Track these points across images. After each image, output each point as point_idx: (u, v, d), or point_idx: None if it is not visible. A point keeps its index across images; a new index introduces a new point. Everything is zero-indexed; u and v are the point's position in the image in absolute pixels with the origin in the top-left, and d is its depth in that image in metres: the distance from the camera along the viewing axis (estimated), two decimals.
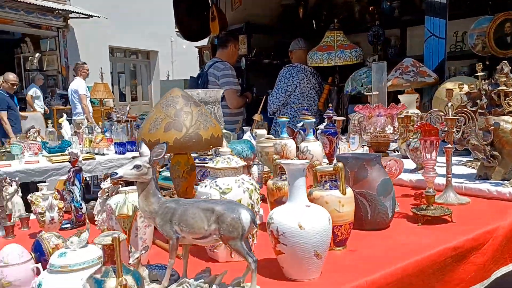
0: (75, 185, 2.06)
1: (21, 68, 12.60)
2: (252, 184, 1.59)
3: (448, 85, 3.23)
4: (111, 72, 14.20)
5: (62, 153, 4.69)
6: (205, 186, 1.57)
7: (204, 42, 6.61)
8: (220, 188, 1.53)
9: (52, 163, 4.32)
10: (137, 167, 1.27)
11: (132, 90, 15.90)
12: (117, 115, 5.42)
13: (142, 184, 1.29)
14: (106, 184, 1.78)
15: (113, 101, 11.21)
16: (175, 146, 1.65)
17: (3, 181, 1.98)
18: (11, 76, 6.64)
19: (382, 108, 2.11)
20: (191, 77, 4.94)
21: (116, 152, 4.77)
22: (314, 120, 2.52)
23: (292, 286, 1.33)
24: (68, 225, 2.02)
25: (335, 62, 4.05)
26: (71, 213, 2.04)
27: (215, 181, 1.55)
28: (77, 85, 8.15)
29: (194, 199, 1.43)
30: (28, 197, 1.87)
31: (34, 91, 9.87)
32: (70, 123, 5.55)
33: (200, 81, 4.71)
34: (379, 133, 2.11)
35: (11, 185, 2.01)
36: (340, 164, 1.58)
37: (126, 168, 1.26)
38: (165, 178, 2.88)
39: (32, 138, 4.91)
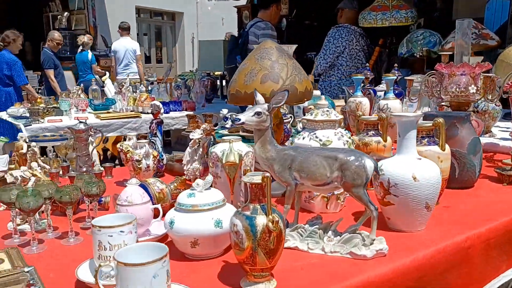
0: (157, 136, 2.09)
1: (49, 27, 12.58)
2: (349, 137, 1.59)
3: None
4: (137, 34, 14.11)
5: (108, 111, 4.76)
6: (303, 138, 1.58)
7: (243, 1, 6.50)
8: (320, 140, 1.54)
9: (101, 120, 4.38)
10: (258, 114, 1.27)
11: (157, 52, 15.83)
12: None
13: (259, 131, 1.30)
14: (196, 135, 1.81)
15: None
16: (269, 97, 1.63)
17: (89, 130, 2.02)
18: (56, 35, 6.66)
19: (467, 67, 2.06)
20: (231, 36, 4.89)
21: None
22: (362, 77, 2.50)
23: (401, 237, 1.35)
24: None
25: (390, 23, 3.95)
26: None
27: (314, 133, 1.56)
28: (135, 45, 7.93)
29: (312, 147, 1.43)
30: (118, 145, 1.91)
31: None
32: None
33: (240, 41, 4.66)
34: (462, 93, 2.07)
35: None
36: (441, 120, 1.56)
37: (247, 114, 1.27)
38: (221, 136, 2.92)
39: (76, 95, 4.97)
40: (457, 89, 2.09)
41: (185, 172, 1.82)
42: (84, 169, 2.00)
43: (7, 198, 1.33)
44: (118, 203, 1.33)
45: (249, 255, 1.00)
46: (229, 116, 3.45)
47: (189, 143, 1.80)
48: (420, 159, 1.38)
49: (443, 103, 2.51)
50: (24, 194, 1.26)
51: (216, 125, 3.39)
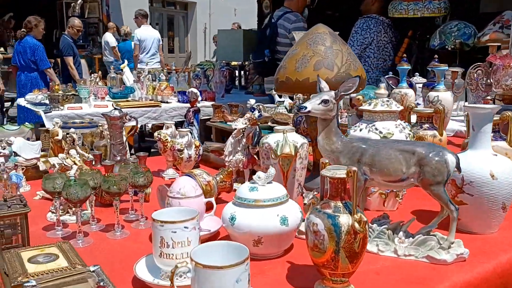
0: (194, 125, 1.99)
1: (62, 13, 12.50)
2: (410, 130, 1.48)
3: None
4: (150, 24, 14.00)
5: (127, 99, 4.67)
6: (360, 130, 1.47)
7: None
8: (380, 133, 1.43)
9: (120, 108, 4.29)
10: (325, 102, 1.17)
11: (169, 42, 15.72)
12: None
13: (325, 121, 1.19)
14: (240, 125, 1.70)
15: None
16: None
17: (124, 117, 1.92)
18: (77, 22, 6.56)
19: None
20: (260, 28, 4.77)
21: (179, 101, 4.71)
22: (408, 67, 2.39)
23: (475, 240, 1.24)
24: None
25: (422, 13, 3.81)
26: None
27: (373, 125, 1.45)
28: (158, 34, 7.85)
29: (382, 139, 1.33)
30: (156, 134, 1.81)
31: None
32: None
33: (268, 33, 4.53)
34: None
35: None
36: (510, 113, 1.45)
37: (314, 102, 1.17)
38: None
39: (94, 83, 4.89)
40: None
41: (226, 164, 1.72)
42: (118, 158, 1.91)
43: (51, 187, 1.24)
44: (169, 195, 1.24)
45: (330, 258, 0.89)
46: (256, 107, 3.34)
47: (233, 133, 1.70)
48: (496, 155, 1.27)
49: (488, 97, 2.38)
50: (71, 183, 1.17)
51: (242, 115, 3.30)
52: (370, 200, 1.49)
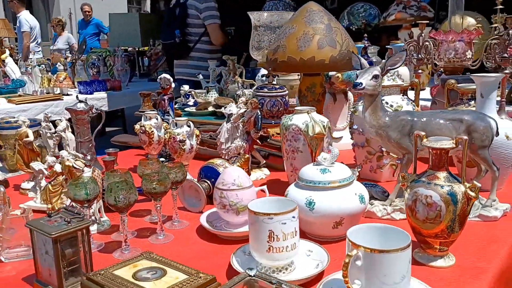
0: (170, 114, 1.83)
1: None
2: (413, 103, 1.57)
3: (456, 18, 3.42)
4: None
5: (19, 94, 4.12)
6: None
7: None
8: (391, 106, 1.49)
9: (16, 104, 3.77)
10: (376, 77, 1.17)
11: None
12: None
13: (371, 97, 1.20)
14: (234, 109, 1.62)
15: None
16: (330, 64, 1.54)
17: (91, 111, 1.69)
18: None
19: (465, 33, 2.17)
20: (168, 7, 4.52)
21: (81, 92, 4.30)
22: (362, 45, 2.52)
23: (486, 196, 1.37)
24: (162, 159, 1.81)
25: None
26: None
27: (383, 99, 1.50)
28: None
29: (425, 111, 1.36)
30: (137, 126, 1.64)
31: None
32: None
33: (178, 13, 4.33)
34: (460, 58, 2.18)
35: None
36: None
37: (366, 78, 1.16)
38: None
39: None
40: (456, 55, 2.19)
41: (223, 152, 1.63)
42: (89, 157, 1.68)
43: (83, 195, 1.04)
44: (222, 188, 1.13)
45: (445, 228, 0.92)
46: (192, 93, 3.21)
47: (231, 119, 1.60)
48: (502, 118, 1.41)
49: (419, 71, 2.63)
50: (119, 186, 1.00)
51: (176, 103, 3.14)
52: (381, 172, 1.55)
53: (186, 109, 2.97)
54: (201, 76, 3.48)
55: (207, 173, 1.38)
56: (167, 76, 1.85)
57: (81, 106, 1.66)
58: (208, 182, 1.35)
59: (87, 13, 7.51)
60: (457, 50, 2.19)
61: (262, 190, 1.20)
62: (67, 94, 4.18)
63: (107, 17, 5.80)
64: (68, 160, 1.29)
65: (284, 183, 1.44)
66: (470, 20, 3.38)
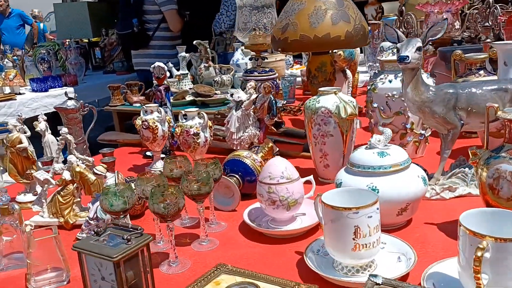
0: (167, 106, 1.68)
1: None
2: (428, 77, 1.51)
3: None
4: None
5: None
6: (390, 81, 1.44)
7: None
8: None
9: None
10: (419, 49, 1.10)
11: None
12: None
13: (412, 71, 1.12)
14: (243, 96, 1.49)
15: None
16: (346, 40, 1.45)
17: (82, 108, 1.51)
18: None
19: (452, 4, 2.15)
20: None
21: (35, 90, 3.98)
22: (394, 17, 2.45)
23: None
24: (163, 155, 1.66)
25: None
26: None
27: (396, 75, 1.44)
28: None
29: (468, 82, 1.29)
30: (138, 121, 1.48)
31: None
32: None
33: (132, 1, 4.07)
34: (449, 30, 2.17)
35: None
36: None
37: (410, 51, 1.08)
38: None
39: None
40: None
41: (234, 142, 1.50)
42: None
43: (122, 204, 0.90)
44: (270, 182, 1.02)
45: None
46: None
47: (242, 107, 1.48)
48: None
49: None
50: (165, 192, 0.86)
51: (147, 94, 2.97)
52: (405, 150, 1.49)
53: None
54: (170, 64, 3.29)
55: (233, 166, 1.25)
56: (161, 64, 1.69)
57: (71, 103, 1.48)
58: (237, 176, 1.23)
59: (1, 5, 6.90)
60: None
61: (309, 181, 1.10)
62: (20, 93, 3.85)
63: (47, 6, 5.38)
64: (78, 165, 1.13)
65: (307, 170, 1.35)
66: None
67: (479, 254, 0.64)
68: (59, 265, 0.91)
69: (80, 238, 1.05)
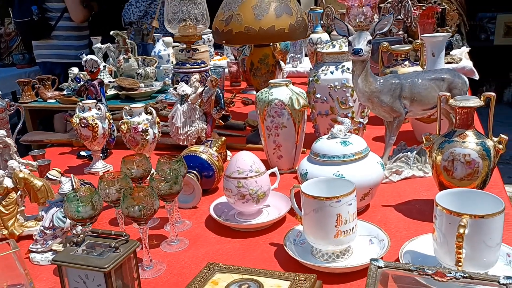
0: (103, 102, 1.58)
1: None
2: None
3: None
4: None
5: None
6: (331, 72, 1.50)
7: None
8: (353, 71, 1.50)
9: None
10: (370, 42, 1.16)
11: None
12: None
13: (363, 63, 1.18)
14: (188, 90, 1.46)
15: None
16: (289, 33, 1.48)
17: (8, 107, 1.37)
18: None
19: None
20: None
21: None
22: (321, 10, 2.48)
23: None
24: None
25: None
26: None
27: (343, 65, 1.50)
28: None
29: (409, 73, 1.35)
30: (74, 119, 1.37)
31: None
32: None
33: None
34: (369, 22, 2.30)
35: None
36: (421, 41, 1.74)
37: (362, 44, 1.14)
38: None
39: None
40: (365, 19, 2.30)
41: (180, 138, 1.47)
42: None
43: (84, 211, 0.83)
44: (239, 177, 1.01)
45: (481, 182, 0.96)
46: (81, 76, 2.85)
47: (188, 101, 1.44)
48: None
49: None
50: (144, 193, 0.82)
51: (61, 89, 2.81)
52: None
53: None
54: (85, 56, 3.09)
55: (189, 162, 1.22)
56: (94, 57, 1.59)
57: None
58: (195, 172, 1.21)
59: None
60: (366, 15, 2.30)
61: (273, 173, 1.11)
62: None
63: None
64: (21, 171, 1.03)
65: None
66: None
67: (461, 231, 0.70)
68: (20, 281, 0.82)
69: (33, 250, 0.96)
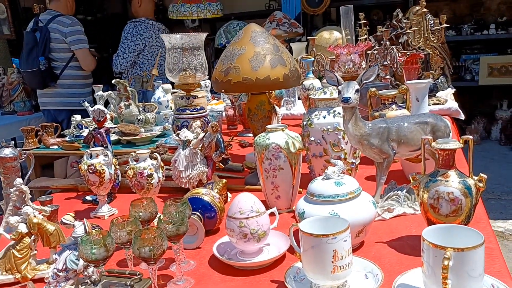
0: (109, 149, 1.66)
1: None
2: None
3: (325, 33, 3.79)
4: None
5: None
6: (324, 117, 1.60)
7: None
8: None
9: None
10: (357, 91, 1.26)
11: None
12: None
13: (352, 109, 1.28)
14: (189, 135, 1.54)
15: None
16: (284, 82, 1.59)
17: (20, 156, 1.44)
18: None
19: (359, 46, 2.43)
20: (25, 32, 4.01)
21: None
22: (312, 58, 2.62)
23: None
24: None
25: (205, 15, 4.04)
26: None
27: (334, 110, 1.60)
28: None
29: (396, 117, 1.45)
30: (82, 165, 1.44)
31: None
32: None
33: (39, 38, 3.90)
34: (357, 68, 2.44)
35: None
36: (406, 86, 1.86)
37: (351, 92, 1.24)
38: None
39: None
40: (354, 66, 2.44)
41: (182, 181, 1.54)
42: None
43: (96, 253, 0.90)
44: (241, 217, 1.08)
45: (465, 218, 1.04)
46: (83, 123, 2.94)
47: (190, 146, 1.53)
48: None
49: None
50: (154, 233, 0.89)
51: (63, 136, 2.90)
52: None
53: (82, 141, 2.70)
54: (86, 104, 3.20)
55: (193, 204, 1.29)
56: (101, 107, 1.69)
57: (9, 151, 1.42)
58: (198, 213, 1.27)
59: None
60: (354, 61, 2.44)
61: (272, 213, 1.18)
62: None
63: None
64: (35, 216, 1.10)
65: None
66: (336, 34, 3.78)
67: (445, 263, 0.77)
68: None
69: None
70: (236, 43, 1.64)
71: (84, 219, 1.04)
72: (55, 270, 1.02)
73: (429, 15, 3.04)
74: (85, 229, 1.02)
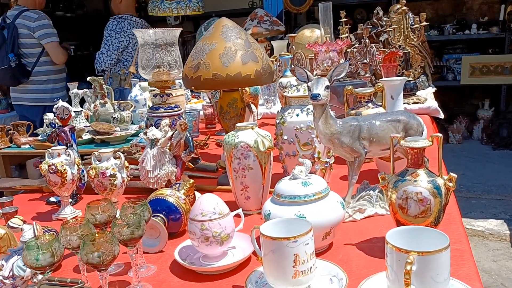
0: (74, 148, 1.60)
1: None
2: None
3: (306, 31, 3.75)
4: None
5: None
6: (297, 115, 1.56)
7: None
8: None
9: None
10: (327, 87, 1.22)
11: None
12: None
13: (322, 106, 1.24)
14: (158, 134, 1.49)
15: None
16: (255, 78, 1.54)
17: None
18: None
19: (337, 44, 2.40)
20: None
21: None
22: (290, 56, 2.57)
23: None
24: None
25: (185, 12, 3.98)
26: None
27: (308, 108, 1.56)
28: None
29: (368, 115, 1.41)
30: (43, 165, 1.38)
31: None
32: None
33: (7, 35, 3.81)
34: (333, 66, 2.40)
35: None
36: (382, 84, 1.82)
37: (320, 89, 1.20)
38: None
39: None
40: (332, 64, 2.40)
41: (150, 181, 1.48)
42: None
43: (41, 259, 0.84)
44: (203, 219, 1.03)
45: (434, 219, 1.00)
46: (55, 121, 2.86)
47: (158, 145, 1.47)
48: None
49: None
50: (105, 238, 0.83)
51: (36, 135, 2.82)
52: None
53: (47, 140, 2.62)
54: (61, 101, 3.11)
55: (156, 206, 1.24)
56: (65, 104, 1.61)
57: None
58: (162, 216, 1.22)
59: None
60: (333, 59, 2.40)
61: (238, 215, 1.13)
62: None
63: None
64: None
65: (227, 202, 1.38)
66: (318, 32, 3.74)
67: (408, 268, 0.73)
68: None
69: None
70: (207, 38, 1.59)
71: (34, 222, 0.98)
72: (1, 278, 0.95)
73: (410, 13, 3.02)
74: (34, 233, 0.96)
